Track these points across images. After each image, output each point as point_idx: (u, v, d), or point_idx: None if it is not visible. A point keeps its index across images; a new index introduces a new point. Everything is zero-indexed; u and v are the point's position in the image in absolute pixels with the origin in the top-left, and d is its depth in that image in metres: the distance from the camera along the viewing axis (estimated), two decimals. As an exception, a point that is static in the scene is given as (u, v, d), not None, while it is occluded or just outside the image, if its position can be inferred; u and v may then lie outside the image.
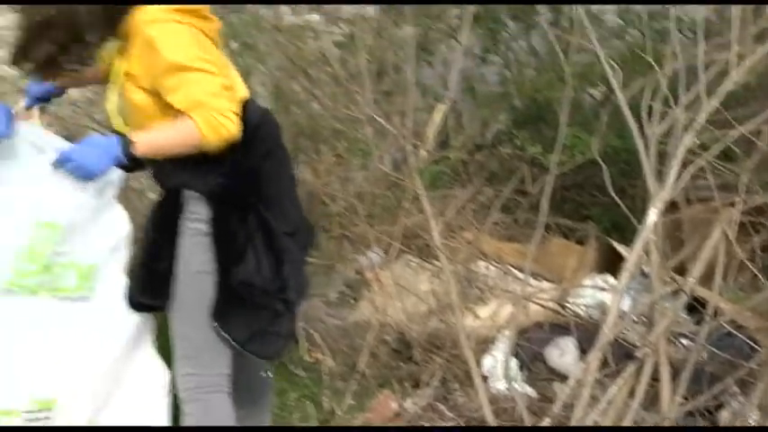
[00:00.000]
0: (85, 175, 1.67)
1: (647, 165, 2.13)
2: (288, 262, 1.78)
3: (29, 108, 2.04)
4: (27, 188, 1.70)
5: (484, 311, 2.54)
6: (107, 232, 1.82)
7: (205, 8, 1.69)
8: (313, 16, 2.82)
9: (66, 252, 1.73)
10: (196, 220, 1.73)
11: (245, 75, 2.03)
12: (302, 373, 2.40)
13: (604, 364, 2.03)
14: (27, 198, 1.69)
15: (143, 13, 1.62)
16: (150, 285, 1.81)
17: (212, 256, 1.73)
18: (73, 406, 1.71)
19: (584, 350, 2.25)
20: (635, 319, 2.24)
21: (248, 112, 1.73)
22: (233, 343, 1.76)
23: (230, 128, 1.64)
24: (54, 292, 1.73)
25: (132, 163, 1.71)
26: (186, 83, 1.62)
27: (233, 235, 1.73)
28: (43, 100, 2.07)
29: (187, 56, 1.61)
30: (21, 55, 1.71)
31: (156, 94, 1.66)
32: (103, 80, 1.90)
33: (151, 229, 1.84)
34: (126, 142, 1.64)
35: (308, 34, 2.79)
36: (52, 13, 1.64)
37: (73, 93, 2.48)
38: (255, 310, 1.77)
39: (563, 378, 2.28)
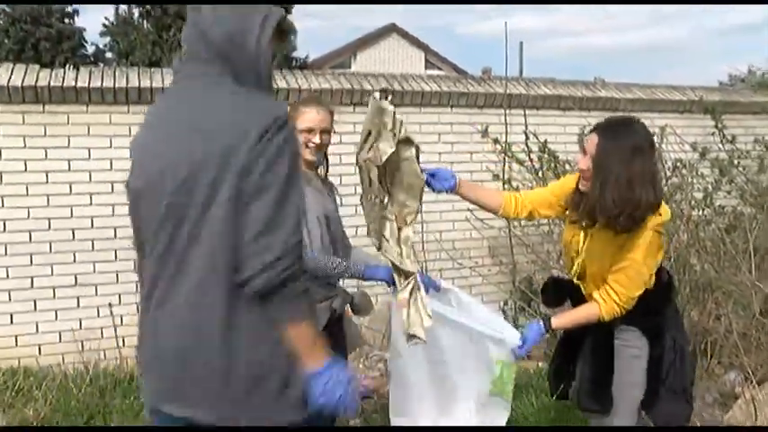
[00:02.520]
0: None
1: None
2: (690, 372, 2.46)
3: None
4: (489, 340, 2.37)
5: None
6: None
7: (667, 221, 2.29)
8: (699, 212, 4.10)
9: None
10: (631, 347, 2.29)
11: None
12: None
13: None
14: (491, 346, 2.37)
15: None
16: (596, 395, 2.37)
17: (643, 372, 2.29)
18: None
19: None
20: None
21: (662, 276, 2.36)
22: (653, 425, 2.37)
23: (620, 311, 2.20)
24: (506, 396, 2.44)
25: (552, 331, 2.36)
26: (625, 270, 2.19)
27: (663, 359, 2.31)
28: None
29: (641, 257, 2.17)
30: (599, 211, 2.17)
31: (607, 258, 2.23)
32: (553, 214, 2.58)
33: (592, 353, 2.38)
34: (548, 324, 2.30)
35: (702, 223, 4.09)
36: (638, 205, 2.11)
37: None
38: (673, 405, 2.36)
39: None
